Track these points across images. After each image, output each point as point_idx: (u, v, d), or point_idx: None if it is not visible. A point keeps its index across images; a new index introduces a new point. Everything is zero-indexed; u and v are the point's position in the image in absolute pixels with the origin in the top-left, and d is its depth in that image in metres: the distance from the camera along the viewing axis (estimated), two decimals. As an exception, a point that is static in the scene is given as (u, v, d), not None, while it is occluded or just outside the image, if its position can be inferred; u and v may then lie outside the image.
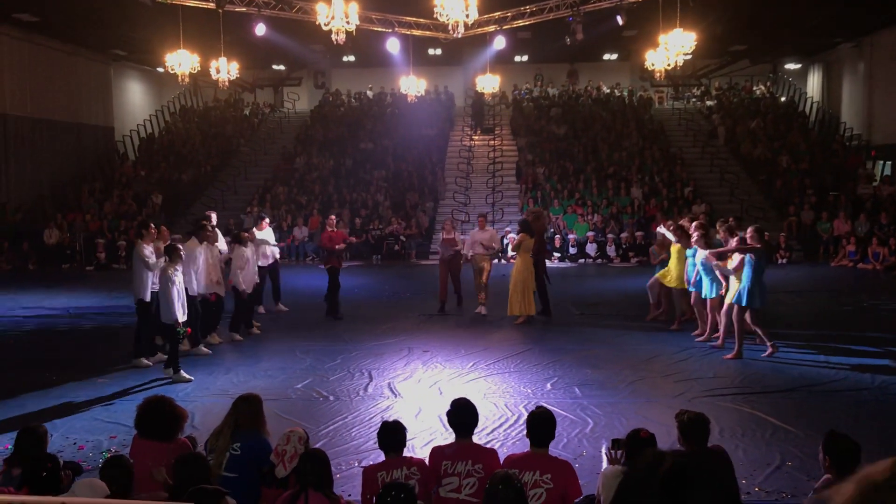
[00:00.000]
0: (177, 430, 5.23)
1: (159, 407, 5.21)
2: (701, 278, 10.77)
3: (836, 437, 4.33)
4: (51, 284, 18.10)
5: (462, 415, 4.83)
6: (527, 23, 21.08)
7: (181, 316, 9.24)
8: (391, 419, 5.17)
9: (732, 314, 10.07)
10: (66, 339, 12.07)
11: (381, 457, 4.91)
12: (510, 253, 20.32)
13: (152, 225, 10.48)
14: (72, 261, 22.12)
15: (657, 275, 12.32)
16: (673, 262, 11.75)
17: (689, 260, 11.05)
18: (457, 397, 5.09)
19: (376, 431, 4.99)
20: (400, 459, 4.75)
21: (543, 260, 13.46)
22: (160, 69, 25.54)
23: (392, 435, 4.81)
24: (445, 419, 5.22)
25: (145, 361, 9.99)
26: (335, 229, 13.58)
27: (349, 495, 5.28)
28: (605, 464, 6.28)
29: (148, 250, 9.97)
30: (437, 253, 19.57)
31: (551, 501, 4.32)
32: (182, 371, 9.26)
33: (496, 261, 20.80)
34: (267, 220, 13.79)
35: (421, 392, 8.66)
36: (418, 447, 6.65)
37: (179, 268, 9.34)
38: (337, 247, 13.27)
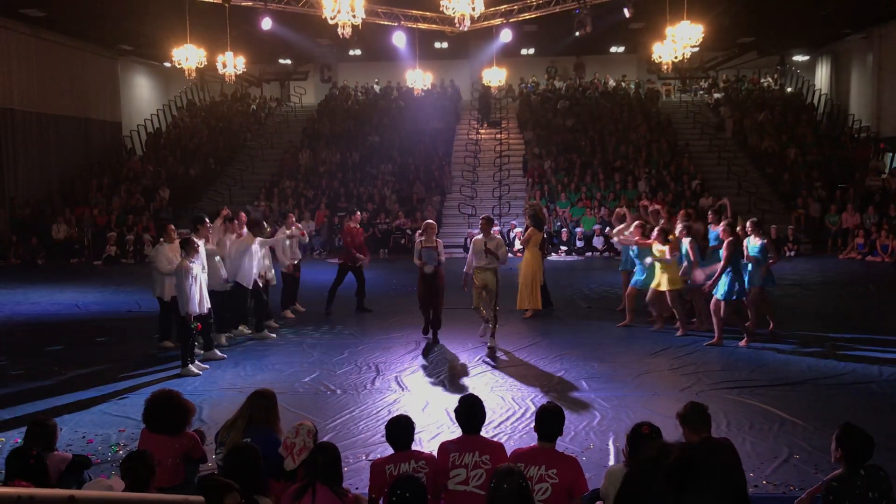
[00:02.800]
0: (185, 424, 5.25)
1: (167, 401, 5.23)
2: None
3: (851, 429, 4.30)
4: (59, 279, 18.17)
5: (470, 412, 4.83)
6: (533, 16, 21.04)
7: (196, 310, 9.27)
8: (399, 414, 5.18)
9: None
10: (74, 333, 12.11)
11: (389, 450, 4.92)
12: (517, 247, 20.35)
13: (240, 216, 11.39)
14: (80, 255, 22.21)
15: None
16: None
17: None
18: (465, 394, 5.08)
19: (384, 425, 5.00)
20: (408, 453, 4.75)
21: (542, 254, 13.44)
22: (167, 64, 25.64)
23: (400, 430, 4.82)
24: (452, 413, 5.22)
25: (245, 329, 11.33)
26: (358, 226, 13.37)
27: (356, 489, 5.30)
28: (611, 458, 6.31)
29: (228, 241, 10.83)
30: (447, 247, 19.54)
31: (557, 496, 4.32)
32: (190, 366, 9.29)
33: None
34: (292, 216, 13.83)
35: (428, 386, 8.68)
36: (425, 441, 6.67)
37: (196, 261, 9.35)
38: (357, 255, 12.91)
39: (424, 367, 9.45)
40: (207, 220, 10.59)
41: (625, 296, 11.88)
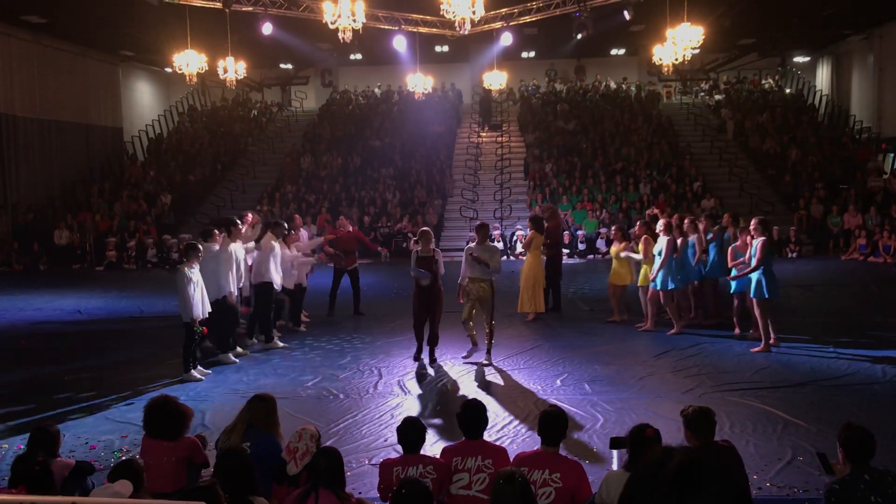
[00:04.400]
0: (183, 429, 5.25)
1: (164, 407, 5.24)
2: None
3: (851, 428, 4.26)
4: (61, 285, 18.20)
5: (473, 417, 4.82)
6: (533, 19, 21.04)
7: (200, 314, 9.29)
8: (412, 416, 5.17)
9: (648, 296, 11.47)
10: (77, 339, 12.12)
11: (392, 454, 4.92)
12: (519, 249, 20.36)
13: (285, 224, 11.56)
14: (82, 261, 22.24)
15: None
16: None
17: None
18: (468, 399, 5.08)
19: (386, 429, 5.00)
20: (417, 457, 4.76)
21: (560, 256, 13.50)
22: (168, 69, 25.66)
23: (410, 432, 4.83)
24: (454, 417, 5.22)
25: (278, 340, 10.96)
26: (345, 230, 13.47)
27: (359, 493, 5.30)
28: (615, 462, 6.30)
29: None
30: (446, 250, 19.56)
31: (560, 500, 4.30)
32: (193, 371, 9.29)
33: (506, 257, 20.94)
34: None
35: (430, 389, 8.67)
36: (428, 445, 6.65)
37: (196, 267, 9.34)
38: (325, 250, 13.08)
39: (427, 371, 9.45)
40: (240, 223, 10.56)
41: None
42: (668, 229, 11.08)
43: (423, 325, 9.85)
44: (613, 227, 12.57)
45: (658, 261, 11.01)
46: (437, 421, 7.47)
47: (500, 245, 21.46)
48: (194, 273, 9.24)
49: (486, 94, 28.72)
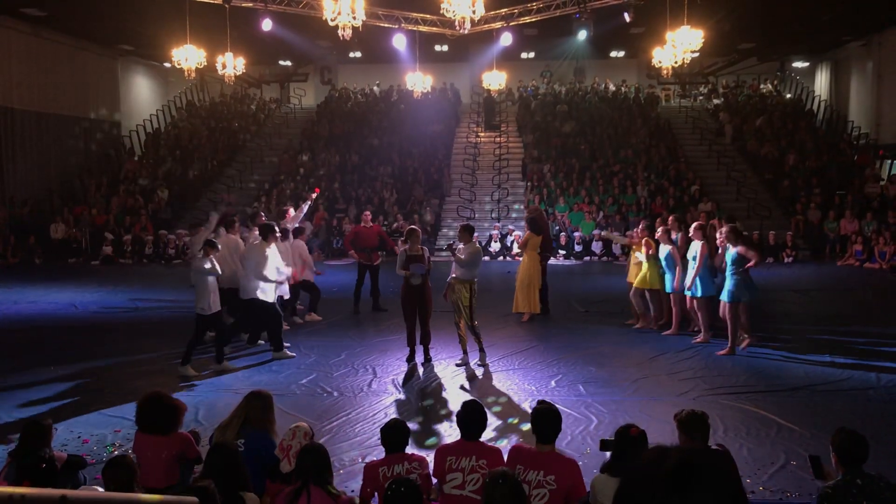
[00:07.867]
0: (175, 424, 5.25)
1: (157, 401, 5.23)
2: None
3: (844, 433, 4.27)
4: (57, 278, 18.15)
5: (473, 418, 4.81)
6: (533, 19, 21.06)
7: (210, 308, 9.33)
8: (394, 418, 5.17)
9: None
10: (71, 333, 12.08)
11: (384, 453, 4.92)
12: (515, 250, 20.36)
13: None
14: (78, 255, 22.19)
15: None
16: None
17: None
18: (468, 400, 5.06)
19: (380, 427, 5.00)
20: (400, 455, 4.78)
21: (546, 259, 13.42)
22: (167, 64, 25.68)
23: (394, 433, 4.83)
24: (448, 417, 5.20)
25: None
26: (369, 225, 13.70)
27: (352, 491, 5.28)
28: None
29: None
30: (441, 249, 19.55)
31: (554, 502, 4.30)
32: (188, 366, 9.28)
33: (502, 257, 20.96)
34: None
35: (424, 389, 8.67)
36: (421, 444, 6.64)
37: (212, 259, 9.39)
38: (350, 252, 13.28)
39: (421, 371, 9.44)
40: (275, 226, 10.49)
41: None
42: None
43: (415, 328, 9.74)
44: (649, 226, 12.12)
45: (693, 266, 10.68)
46: (430, 421, 7.46)
47: (497, 245, 21.48)
48: (211, 265, 9.29)
49: (489, 96, 28.73)
